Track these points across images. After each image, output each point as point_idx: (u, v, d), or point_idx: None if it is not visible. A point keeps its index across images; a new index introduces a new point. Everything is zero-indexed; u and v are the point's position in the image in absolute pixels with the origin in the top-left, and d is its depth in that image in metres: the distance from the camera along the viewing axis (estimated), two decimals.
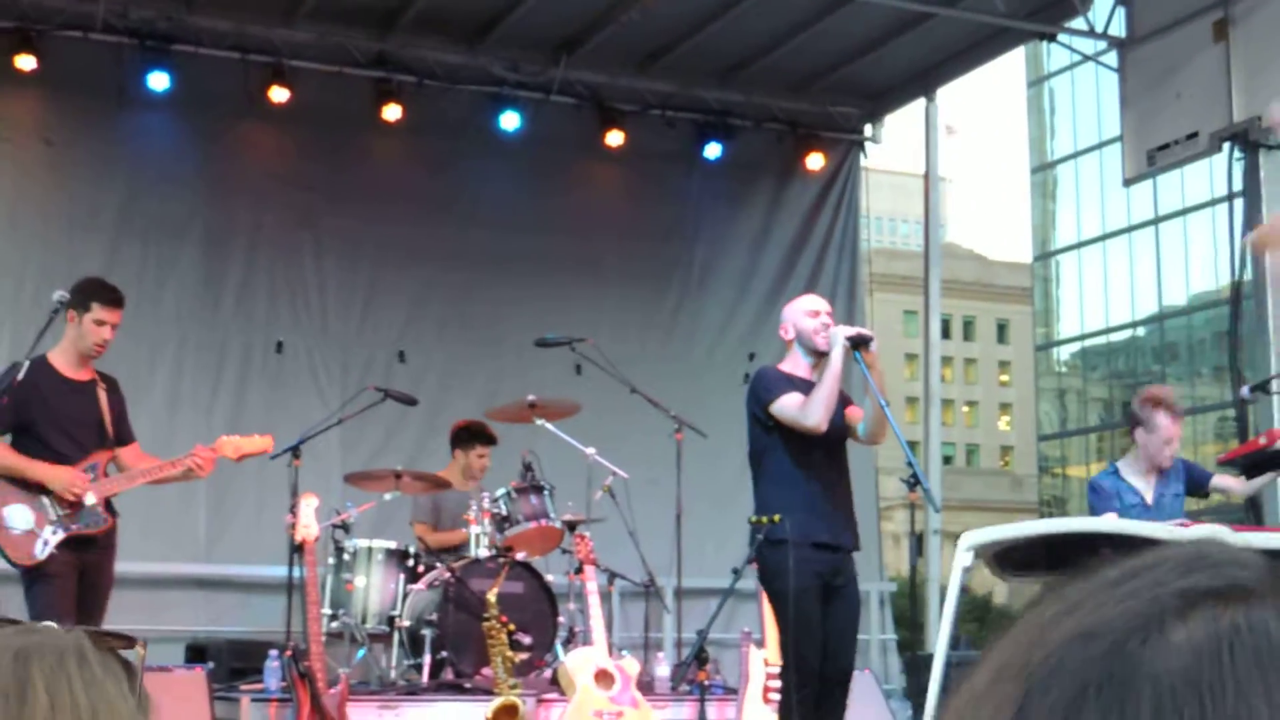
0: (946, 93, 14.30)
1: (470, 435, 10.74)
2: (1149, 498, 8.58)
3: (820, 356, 7.37)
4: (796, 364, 7.46)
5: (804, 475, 7.23)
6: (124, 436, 7.97)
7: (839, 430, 7.36)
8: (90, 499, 7.57)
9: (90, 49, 11.96)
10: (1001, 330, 76.25)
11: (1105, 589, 0.86)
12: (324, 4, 12.28)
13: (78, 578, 7.59)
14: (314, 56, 12.59)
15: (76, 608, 7.48)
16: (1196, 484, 8.76)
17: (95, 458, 7.70)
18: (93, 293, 7.77)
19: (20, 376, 7.50)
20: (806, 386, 7.31)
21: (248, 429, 9.91)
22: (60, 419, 7.68)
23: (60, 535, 7.49)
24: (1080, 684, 0.82)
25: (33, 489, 7.50)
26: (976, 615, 57.53)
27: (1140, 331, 53.33)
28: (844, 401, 7.47)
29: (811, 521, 7.11)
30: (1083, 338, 56.13)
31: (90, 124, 12.18)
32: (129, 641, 2.20)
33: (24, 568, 7.48)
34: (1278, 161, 11.42)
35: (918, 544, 8.23)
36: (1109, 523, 6.26)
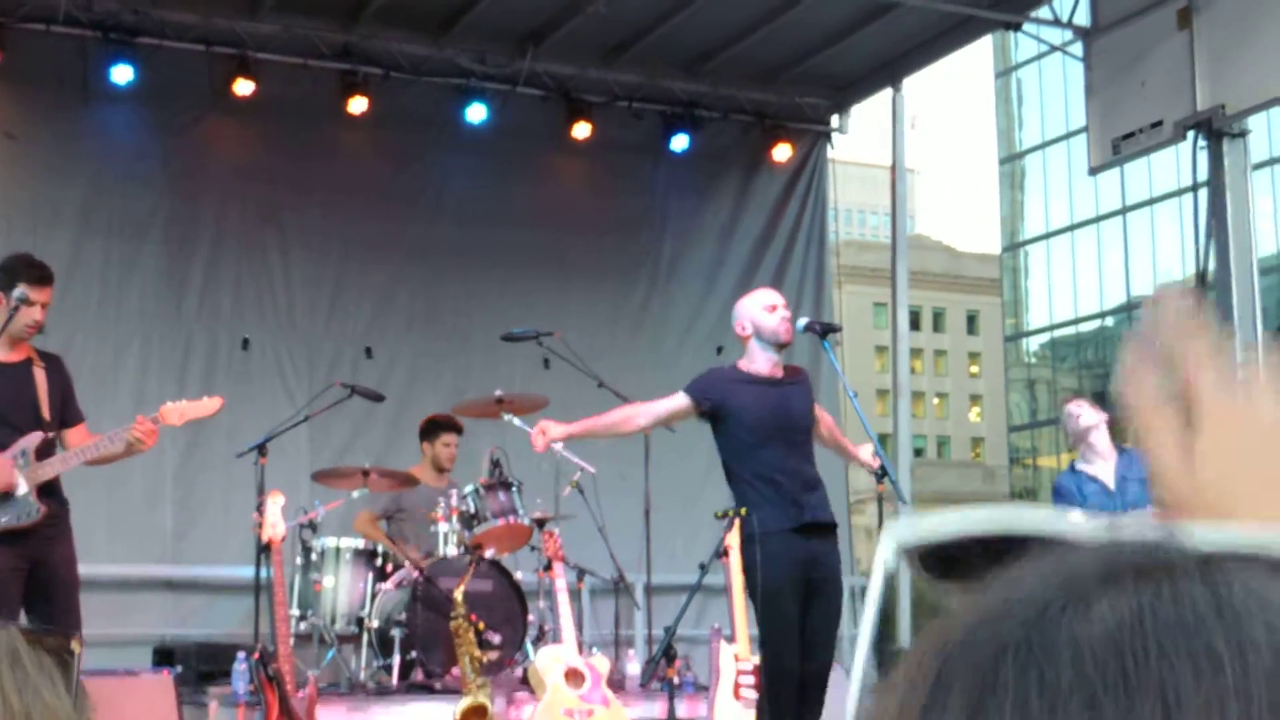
0: (914, 84, 14.29)
1: (436, 426, 10.71)
2: (1110, 483, 8.64)
3: (783, 348, 7.36)
4: (755, 360, 7.42)
5: (768, 465, 7.18)
6: (69, 418, 7.47)
7: (802, 419, 7.32)
8: (22, 487, 7.08)
9: (53, 41, 11.85)
10: (971, 321, 76.46)
11: (1026, 570, 0.85)
12: None
13: (27, 574, 7.10)
14: (279, 49, 12.51)
15: (44, 606, 7.10)
16: None
17: (25, 441, 7.17)
18: (18, 271, 7.33)
19: None
20: (767, 384, 7.29)
21: (214, 426, 9.86)
22: None
23: None
24: (997, 649, 0.80)
25: None
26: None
27: (1109, 321, 53.54)
28: (811, 397, 7.45)
29: (783, 510, 7.06)
30: (1052, 328, 56.35)
31: (53, 118, 12.07)
32: (65, 638, 2.14)
33: None
34: (1240, 150, 11.42)
35: None
36: (1049, 518, 6.22)
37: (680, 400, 7.43)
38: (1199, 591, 0.79)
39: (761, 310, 7.42)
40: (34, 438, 7.26)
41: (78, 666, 2.16)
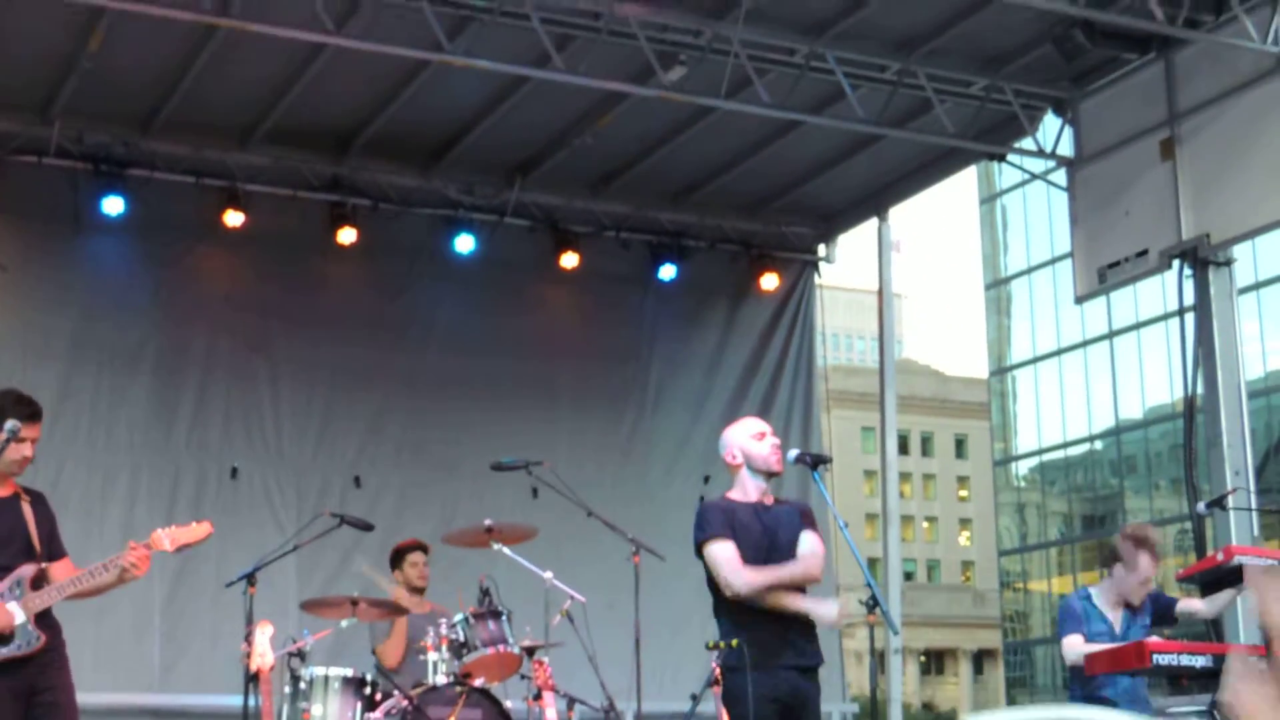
0: (899, 210, 14.42)
1: (399, 552, 10.73)
2: (1117, 628, 8.64)
3: (771, 477, 7.31)
4: (746, 489, 7.31)
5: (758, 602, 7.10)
6: (54, 552, 7.45)
7: (791, 548, 7.23)
8: (19, 617, 7.10)
9: (45, 174, 11.97)
10: (959, 445, 76.48)
11: None
12: (278, 128, 12.32)
13: (26, 705, 7.09)
14: (269, 180, 12.63)
15: None
16: (1164, 612, 8.83)
17: (20, 571, 7.19)
18: (7, 408, 7.26)
19: None
20: (755, 511, 7.21)
21: (205, 558, 9.85)
22: None
23: None
24: None
25: None
26: None
27: (1098, 445, 53.55)
28: (806, 521, 7.37)
29: (769, 644, 7.01)
30: (1040, 452, 56.30)
31: (44, 249, 12.15)
32: None
33: None
34: (1226, 277, 11.53)
35: (879, 663, 8.15)
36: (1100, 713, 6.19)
37: (728, 547, 7.08)
38: None
39: (750, 439, 7.35)
40: (29, 569, 7.26)
41: None
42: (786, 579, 7.01)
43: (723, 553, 7.07)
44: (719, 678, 7.35)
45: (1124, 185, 11.77)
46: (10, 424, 7.26)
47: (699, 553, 7.17)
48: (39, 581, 7.28)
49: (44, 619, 7.25)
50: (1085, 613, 8.80)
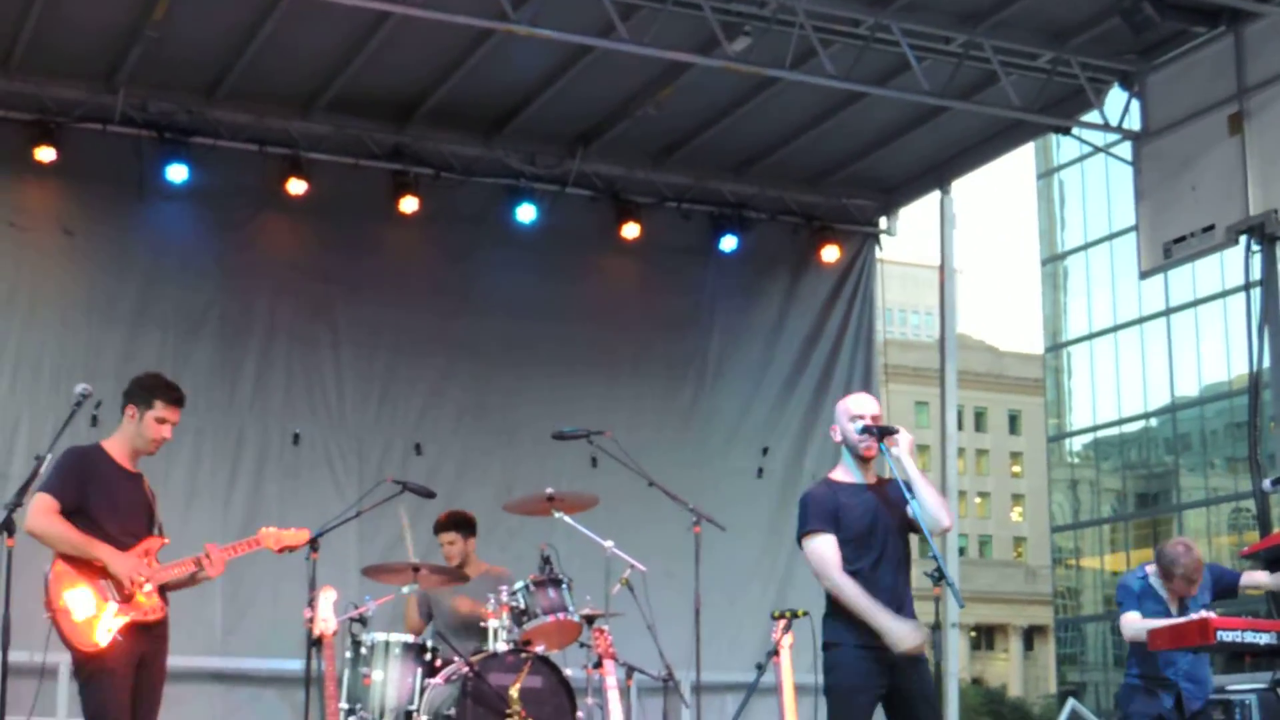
0: (956, 184, 14.32)
1: (437, 527, 10.74)
2: (1173, 607, 8.65)
3: (865, 463, 7.16)
4: (846, 469, 7.16)
5: (857, 576, 6.96)
6: (162, 530, 7.84)
7: (898, 524, 7.14)
8: (148, 585, 7.44)
9: (109, 141, 12.03)
10: (1013, 421, 76.21)
11: None
12: (341, 97, 12.35)
13: (135, 670, 7.37)
14: (331, 149, 12.66)
15: (137, 699, 7.34)
16: (1227, 588, 8.84)
17: (147, 543, 7.56)
18: (157, 390, 7.66)
19: (79, 459, 7.54)
20: (854, 493, 7.06)
21: (264, 521, 9.88)
22: (118, 505, 7.54)
23: (122, 621, 7.32)
24: None
25: (94, 571, 7.35)
26: (991, 709, 57.24)
27: (1153, 422, 53.23)
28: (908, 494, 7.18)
29: (860, 625, 6.87)
30: (1095, 429, 55.99)
31: (109, 214, 12.22)
32: None
33: (85, 655, 7.26)
34: None
35: (936, 636, 8.12)
36: None
37: (828, 542, 6.96)
38: None
39: (846, 420, 7.12)
40: (154, 542, 7.63)
41: None
42: (871, 620, 6.83)
43: (821, 549, 6.97)
44: (779, 648, 7.36)
45: (1191, 160, 11.69)
46: (80, 388, 7.53)
47: (800, 544, 7.09)
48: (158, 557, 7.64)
49: (163, 593, 7.60)
50: (1143, 590, 8.81)
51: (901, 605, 6.95)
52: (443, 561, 10.46)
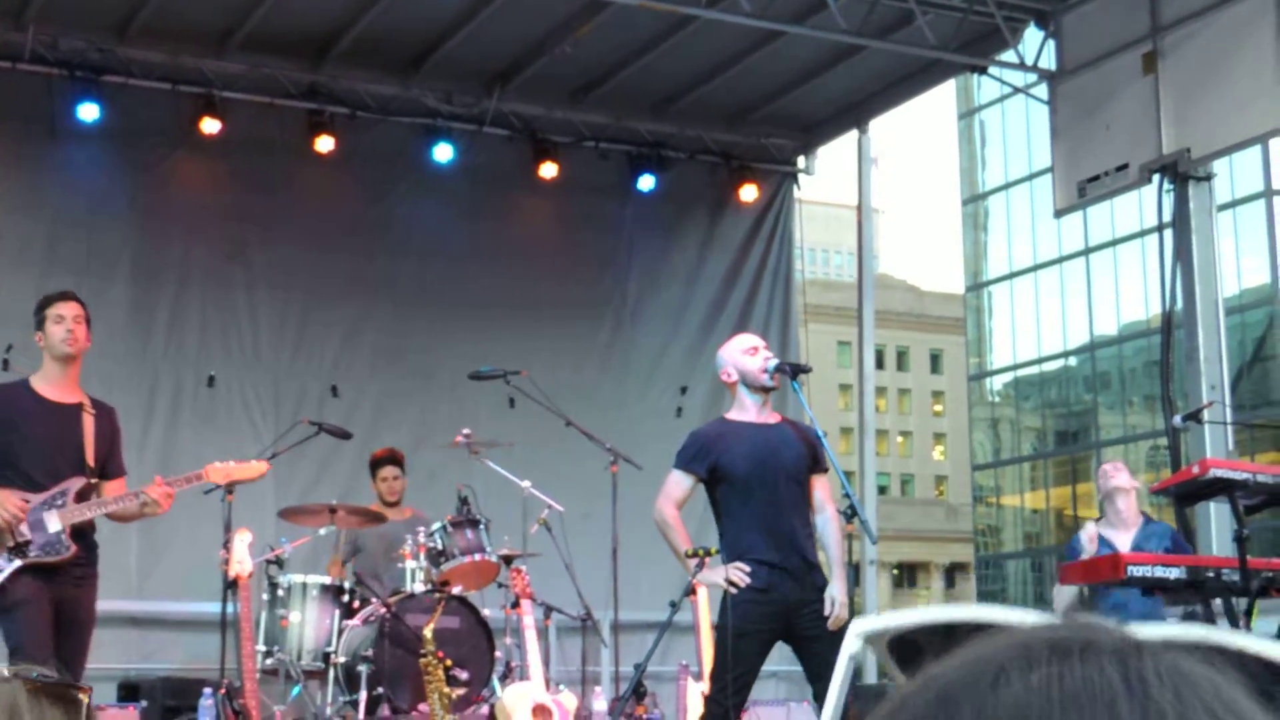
0: (877, 124, 14.38)
1: (375, 463, 10.75)
2: (1125, 549, 8.73)
3: (766, 393, 7.22)
4: (744, 408, 7.20)
5: (747, 519, 7.04)
6: (111, 470, 7.62)
7: (794, 470, 7.19)
8: (55, 525, 7.24)
9: (19, 79, 11.86)
10: (935, 360, 76.62)
11: (954, 653, 0.90)
12: (255, 35, 12.22)
13: (54, 611, 7.24)
14: (245, 88, 12.54)
15: (58, 642, 7.16)
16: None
17: (68, 484, 7.35)
18: (42, 304, 7.54)
19: None
20: (750, 430, 7.12)
21: (180, 465, 9.82)
22: (32, 443, 7.38)
23: (15, 563, 7.16)
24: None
25: None
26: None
27: (1072, 361, 53.70)
28: (813, 452, 7.24)
29: (754, 569, 6.94)
30: (1015, 368, 56.44)
31: (19, 155, 12.08)
32: (73, 689, 2.14)
33: None
34: (1205, 192, 11.53)
35: (855, 575, 8.18)
36: (1001, 612, 6.20)
37: (680, 479, 7.15)
38: (1110, 664, 0.85)
39: (743, 355, 7.18)
40: (76, 482, 7.41)
41: (86, 715, 2.17)
42: (678, 554, 7.06)
43: (668, 484, 7.18)
44: (696, 587, 7.39)
45: (1105, 99, 11.74)
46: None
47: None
48: (84, 496, 7.42)
49: (82, 535, 7.41)
50: (1083, 546, 8.89)
51: (799, 549, 7.01)
52: (366, 500, 10.44)
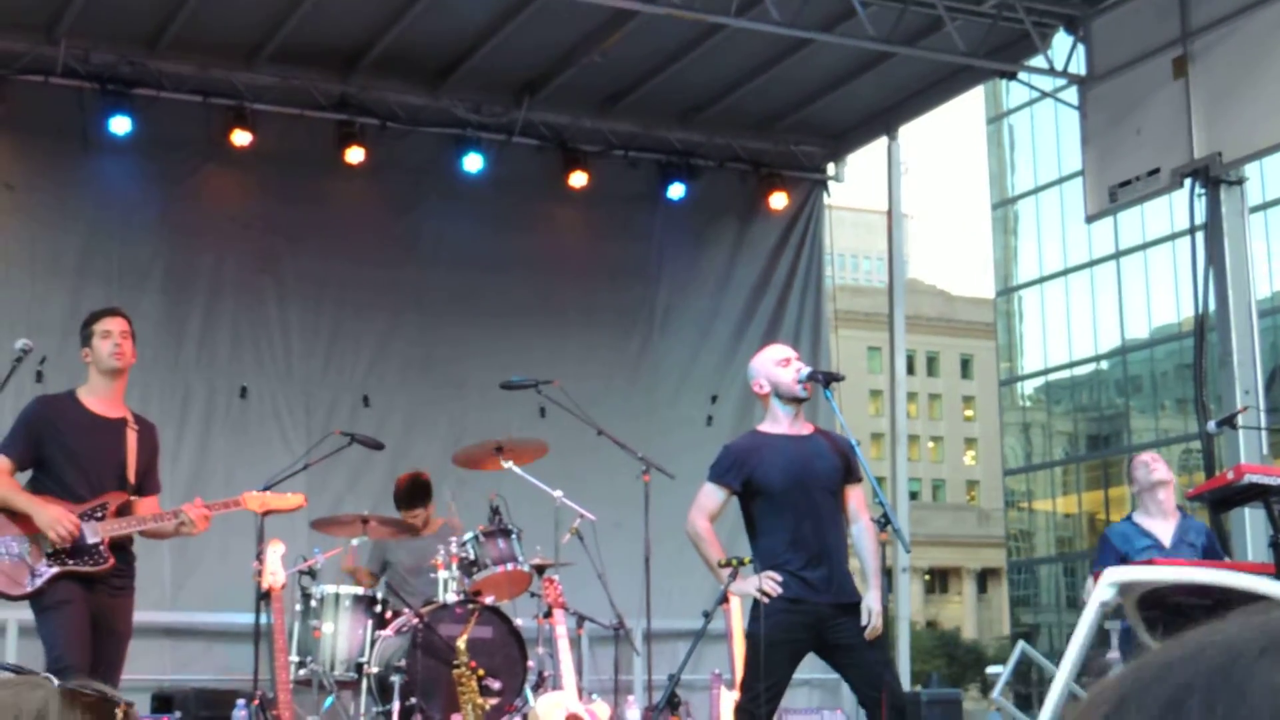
0: (907, 129, 14.35)
1: (401, 503, 10.66)
2: (1166, 541, 8.69)
3: (799, 403, 7.21)
4: (776, 420, 7.21)
5: (781, 531, 7.04)
6: (146, 486, 7.74)
7: (824, 483, 7.15)
8: (93, 537, 7.34)
9: (51, 93, 11.91)
10: (965, 365, 76.50)
11: (1226, 621, 0.88)
12: (286, 47, 12.25)
13: (92, 620, 7.33)
14: (276, 99, 12.57)
15: (94, 653, 7.28)
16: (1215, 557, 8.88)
17: (107, 499, 7.47)
18: (89, 320, 7.68)
19: (38, 411, 7.54)
20: (784, 443, 7.12)
21: (212, 476, 9.88)
22: (77, 456, 7.48)
23: (54, 570, 7.26)
24: (1184, 687, 0.84)
25: (30, 523, 7.29)
26: (945, 652, 57.58)
27: (1104, 365, 53.56)
28: (847, 463, 7.24)
29: (787, 580, 6.94)
30: (1046, 372, 56.31)
31: (52, 168, 12.12)
32: (110, 702, 2.13)
33: (14, 598, 7.28)
34: (1237, 196, 11.48)
35: (888, 581, 8.16)
36: (1263, 581, 6.08)
37: (714, 492, 7.18)
38: None
39: (775, 366, 7.18)
40: (117, 497, 7.53)
41: None
42: (711, 566, 7.10)
43: (701, 496, 7.20)
44: (729, 596, 7.39)
45: (1136, 104, 11.70)
46: (20, 343, 7.48)
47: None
48: (123, 511, 7.55)
49: (120, 548, 7.53)
50: (1125, 533, 8.86)
51: (831, 561, 7.02)
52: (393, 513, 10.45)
